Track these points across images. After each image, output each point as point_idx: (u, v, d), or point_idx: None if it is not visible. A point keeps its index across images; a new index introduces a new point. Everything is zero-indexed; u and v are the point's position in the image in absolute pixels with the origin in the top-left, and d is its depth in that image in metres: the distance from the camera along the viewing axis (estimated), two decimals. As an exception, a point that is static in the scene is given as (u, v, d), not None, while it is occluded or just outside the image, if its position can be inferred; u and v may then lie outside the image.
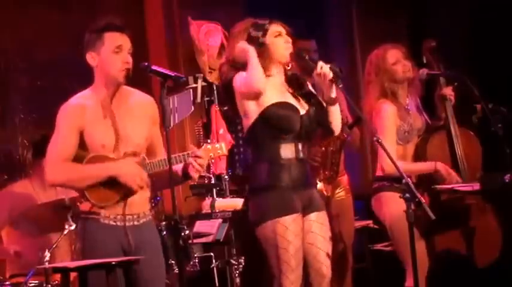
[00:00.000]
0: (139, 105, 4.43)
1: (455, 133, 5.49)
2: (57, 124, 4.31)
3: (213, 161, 6.14)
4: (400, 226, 5.16)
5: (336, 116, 4.68)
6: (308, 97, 4.70)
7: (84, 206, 4.32)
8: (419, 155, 5.45)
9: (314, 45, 6.19)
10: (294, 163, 4.60)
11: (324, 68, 4.56)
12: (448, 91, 5.55)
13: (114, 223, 4.30)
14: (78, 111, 4.29)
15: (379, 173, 5.45)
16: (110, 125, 4.32)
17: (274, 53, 4.65)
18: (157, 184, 4.48)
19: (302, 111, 4.64)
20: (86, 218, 4.32)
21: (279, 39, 4.65)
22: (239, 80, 4.61)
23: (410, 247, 4.55)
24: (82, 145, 4.29)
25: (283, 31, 4.67)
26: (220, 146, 4.43)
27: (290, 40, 4.66)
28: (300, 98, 4.69)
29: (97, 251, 4.24)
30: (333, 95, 4.59)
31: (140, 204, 4.37)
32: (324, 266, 4.61)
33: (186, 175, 4.36)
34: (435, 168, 5.35)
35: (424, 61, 5.64)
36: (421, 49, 5.72)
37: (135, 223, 4.35)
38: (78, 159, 4.27)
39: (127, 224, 4.32)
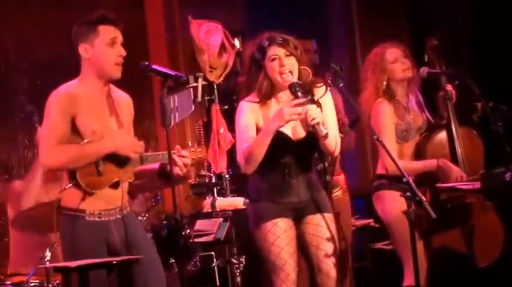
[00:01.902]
0: (121, 102, 4.46)
1: (456, 132, 5.48)
2: (47, 111, 4.32)
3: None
4: (399, 225, 5.17)
5: (330, 144, 4.61)
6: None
7: (69, 201, 4.32)
8: (418, 154, 5.45)
9: (314, 46, 6.18)
10: (284, 183, 4.65)
11: (307, 114, 4.46)
12: (449, 90, 5.54)
13: (100, 219, 4.32)
14: (69, 98, 4.30)
15: (380, 171, 5.44)
16: (101, 115, 4.34)
17: (271, 77, 4.63)
18: (139, 184, 4.53)
19: (299, 137, 4.64)
20: (70, 215, 4.31)
21: (274, 64, 4.59)
22: (239, 151, 4.63)
23: (411, 245, 4.55)
24: (77, 132, 4.29)
25: (281, 53, 4.59)
26: (201, 149, 4.51)
27: (286, 64, 4.58)
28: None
29: (85, 253, 4.23)
30: (321, 134, 4.50)
31: (123, 195, 4.39)
32: (327, 264, 4.63)
33: (162, 175, 4.38)
34: (437, 165, 5.34)
35: (426, 59, 5.64)
36: (421, 47, 5.71)
37: (118, 216, 4.37)
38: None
39: (111, 218, 4.34)
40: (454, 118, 5.51)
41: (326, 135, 4.52)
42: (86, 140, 4.29)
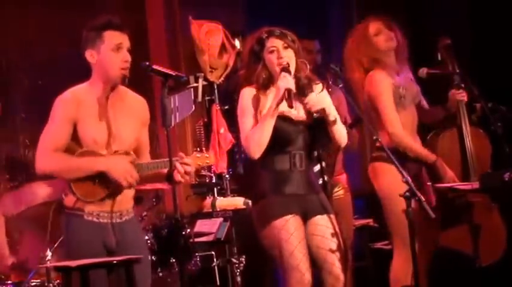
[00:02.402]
0: (132, 106, 4.47)
1: (467, 132, 5.48)
2: (52, 115, 4.34)
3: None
4: (392, 197, 5.06)
5: (338, 132, 4.65)
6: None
7: (68, 201, 4.34)
8: (428, 149, 5.44)
9: (317, 46, 6.20)
10: (291, 173, 4.63)
11: (309, 104, 4.54)
12: (462, 89, 5.54)
13: (98, 220, 4.32)
14: (74, 103, 4.31)
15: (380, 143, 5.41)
16: (104, 122, 4.34)
17: (269, 69, 4.66)
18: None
19: (303, 123, 4.65)
20: (70, 213, 4.33)
21: (273, 55, 4.64)
22: (243, 135, 4.64)
23: (410, 246, 4.57)
24: (76, 138, 4.31)
25: (280, 45, 4.64)
26: (209, 155, 4.51)
27: (283, 56, 4.62)
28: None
29: (81, 250, 4.26)
30: (328, 119, 4.57)
31: (124, 201, 4.38)
32: (337, 268, 4.62)
33: (169, 178, 4.35)
34: (435, 160, 5.30)
35: (439, 58, 5.64)
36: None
37: (118, 220, 4.37)
38: (70, 152, 4.29)
39: (110, 221, 4.34)
40: (465, 118, 5.51)
41: (335, 121, 4.58)
42: (83, 149, 4.29)
